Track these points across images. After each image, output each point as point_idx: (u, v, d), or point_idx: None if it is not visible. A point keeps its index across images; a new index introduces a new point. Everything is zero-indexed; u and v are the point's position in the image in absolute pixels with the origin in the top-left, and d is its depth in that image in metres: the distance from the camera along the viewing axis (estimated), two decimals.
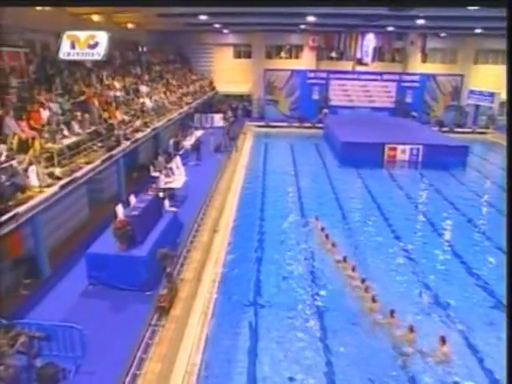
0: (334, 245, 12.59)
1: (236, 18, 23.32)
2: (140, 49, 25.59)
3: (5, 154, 8.86)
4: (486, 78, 31.94)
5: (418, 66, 33.55)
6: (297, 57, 34.21)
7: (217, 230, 13.62)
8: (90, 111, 13.40)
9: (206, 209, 14.43)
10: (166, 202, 12.64)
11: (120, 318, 8.45)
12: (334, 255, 12.15)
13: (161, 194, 12.63)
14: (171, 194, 13.98)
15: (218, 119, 28.54)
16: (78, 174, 10.50)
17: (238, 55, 34.27)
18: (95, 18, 18.17)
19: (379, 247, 13.25)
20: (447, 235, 14.72)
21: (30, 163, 9.10)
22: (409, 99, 33.11)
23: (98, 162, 11.70)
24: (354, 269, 11.16)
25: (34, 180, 8.94)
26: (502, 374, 7.37)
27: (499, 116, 30.32)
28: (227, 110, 30.13)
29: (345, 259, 11.66)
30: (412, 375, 8.00)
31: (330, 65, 33.79)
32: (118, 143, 13.45)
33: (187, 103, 24.24)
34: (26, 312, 8.25)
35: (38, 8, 13.98)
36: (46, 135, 10.55)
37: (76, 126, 12.19)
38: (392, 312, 9.27)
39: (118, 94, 16.91)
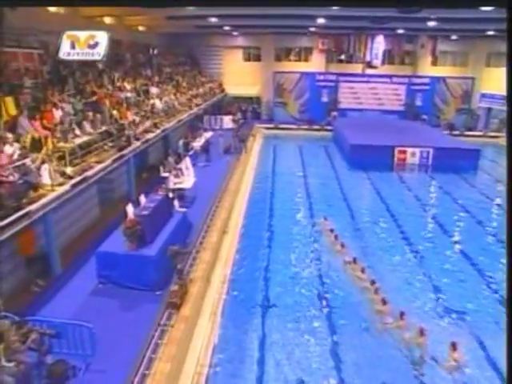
0: (343, 246, 12.53)
1: (245, 21, 23.31)
2: (151, 51, 25.74)
3: (18, 152, 8.99)
4: (499, 80, 31.46)
5: (428, 69, 33.21)
6: (306, 59, 34.14)
7: (226, 231, 13.62)
8: (102, 111, 13.56)
9: (215, 209, 14.44)
10: (176, 203, 12.70)
11: (129, 317, 8.47)
12: (344, 256, 12.09)
13: (170, 195, 12.70)
14: (181, 194, 14.05)
15: (227, 121, 28.58)
16: (89, 173, 10.61)
17: (247, 58, 34.30)
18: (107, 20, 18.40)
19: (389, 249, 13.13)
20: (458, 237, 14.52)
21: (43, 162, 9.23)
22: (419, 102, 32.77)
23: (108, 162, 11.80)
24: (363, 270, 11.08)
25: (46, 178, 9.06)
26: None
27: None
28: (236, 112, 30.23)
29: (355, 260, 11.58)
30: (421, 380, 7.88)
31: (339, 67, 33.65)
32: (129, 143, 13.57)
33: (197, 105, 24.36)
34: (38, 309, 8.31)
35: (52, 10, 14.19)
36: (59, 135, 10.71)
37: (87, 126, 12.35)
38: (402, 314, 9.15)
39: (129, 95, 17.07)
